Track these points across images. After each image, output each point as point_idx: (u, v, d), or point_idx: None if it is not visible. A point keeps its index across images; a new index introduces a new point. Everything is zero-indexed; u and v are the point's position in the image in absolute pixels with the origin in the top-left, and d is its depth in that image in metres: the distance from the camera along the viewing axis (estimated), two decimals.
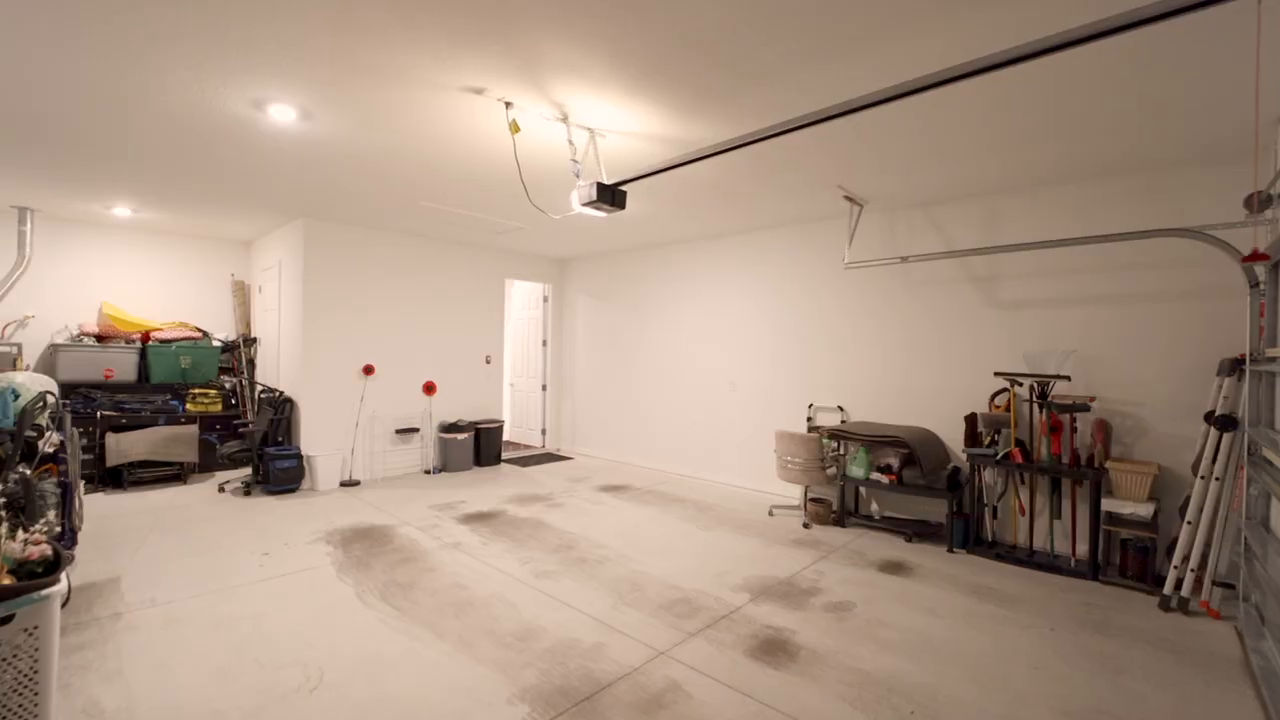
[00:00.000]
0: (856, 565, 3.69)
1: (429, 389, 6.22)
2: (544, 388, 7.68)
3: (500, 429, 6.66)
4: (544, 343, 7.68)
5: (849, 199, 4.32)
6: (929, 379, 4.51)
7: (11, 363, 5.07)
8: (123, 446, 5.19)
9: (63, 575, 1.89)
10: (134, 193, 4.65)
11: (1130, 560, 3.49)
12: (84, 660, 2.41)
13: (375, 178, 4.10)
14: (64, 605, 2.81)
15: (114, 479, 5.26)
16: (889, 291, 4.72)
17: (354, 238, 5.67)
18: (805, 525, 4.47)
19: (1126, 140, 3.17)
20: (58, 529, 3.29)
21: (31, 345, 5.50)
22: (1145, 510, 3.40)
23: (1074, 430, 3.72)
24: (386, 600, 3.04)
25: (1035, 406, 3.89)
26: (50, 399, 3.02)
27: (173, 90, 2.78)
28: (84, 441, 5.20)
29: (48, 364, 5.44)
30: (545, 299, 7.68)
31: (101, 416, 5.27)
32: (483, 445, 6.47)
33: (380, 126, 3.17)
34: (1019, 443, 3.88)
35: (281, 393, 5.54)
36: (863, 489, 4.77)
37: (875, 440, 4.27)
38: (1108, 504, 3.52)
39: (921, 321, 4.55)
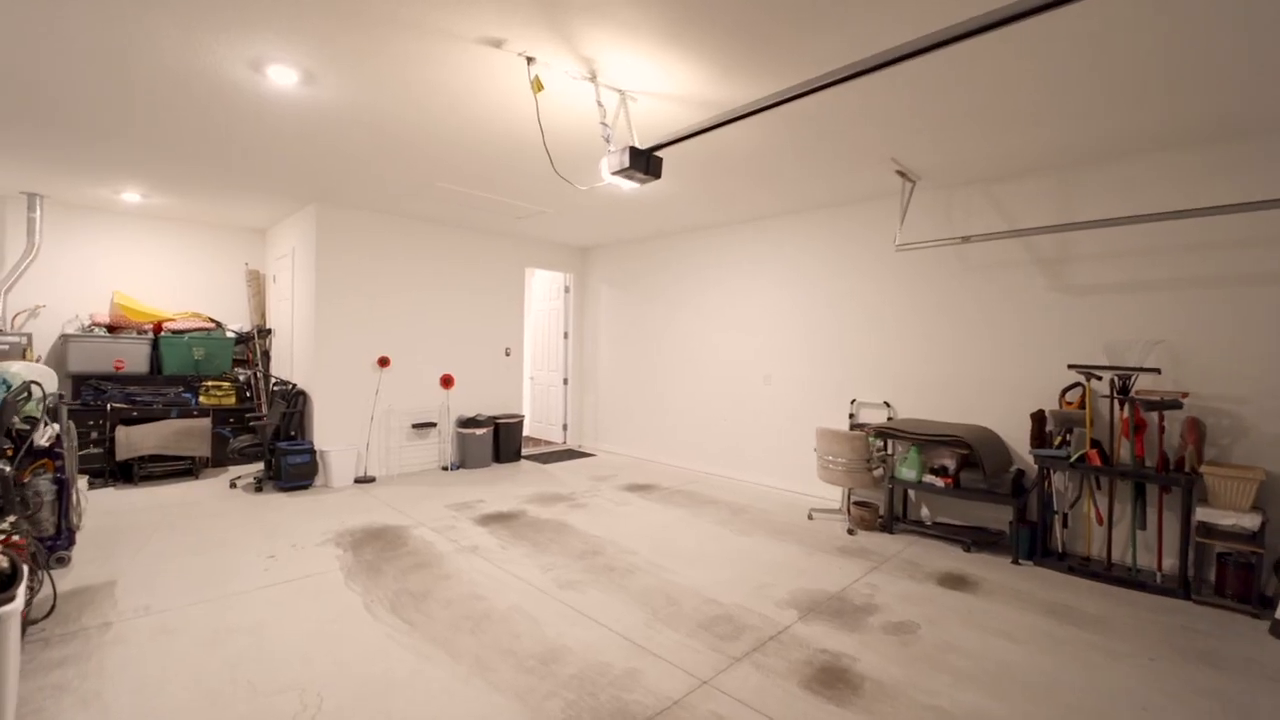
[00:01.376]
0: (913, 578, 3.32)
1: (446, 382, 5.97)
2: (565, 381, 7.40)
3: (520, 424, 6.39)
4: (565, 335, 7.40)
5: (901, 174, 3.93)
6: (986, 372, 4.11)
7: (21, 353, 4.92)
8: (133, 440, 5.03)
9: (19, 591, 1.63)
10: (138, 174, 4.45)
11: (1230, 578, 3.08)
12: (62, 679, 2.17)
13: (386, 152, 3.82)
14: (49, 614, 2.59)
15: (125, 473, 5.10)
16: (942, 277, 4.32)
17: (368, 224, 5.43)
18: (850, 531, 4.10)
19: (1233, 99, 2.74)
20: (50, 529, 3.08)
21: (44, 336, 5.36)
22: (1250, 521, 2.98)
23: (1162, 430, 3.30)
24: (396, 612, 2.76)
25: (1115, 403, 3.48)
26: (36, 390, 2.80)
27: (166, 51, 2.52)
28: (95, 435, 5.06)
29: (59, 355, 5.30)
30: (567, 289, 7.38)
31: (112, 409, 5.11)
32: (502, 441, 6.20)
33: (389, 91, 2.88)
34: (1095, 443, 3.47)
35: (294, 385, 5.33)
36: (911, 492, 4.39)
37: (930, 439, 3.89)
38: (1202, 513, 3.11)
39: (979, 309, 4.15)
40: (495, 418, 6.18)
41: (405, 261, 5.68)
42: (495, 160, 3.89)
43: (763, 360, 5.44)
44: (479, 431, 5.95)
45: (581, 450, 7.09)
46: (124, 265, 5.79)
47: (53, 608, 2.64)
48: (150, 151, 3.87)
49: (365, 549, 3.58)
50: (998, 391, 4.06)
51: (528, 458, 6.56)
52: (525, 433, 7.82)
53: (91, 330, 5.37)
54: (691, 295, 6.08)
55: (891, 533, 4.12)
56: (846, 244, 4.85)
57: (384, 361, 5.50)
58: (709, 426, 5.90)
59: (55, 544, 3.20)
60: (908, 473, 4.03)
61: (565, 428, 7.40)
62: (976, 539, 3.84)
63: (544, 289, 7.78)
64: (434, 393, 5.92)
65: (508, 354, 6.58)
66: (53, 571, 3.10)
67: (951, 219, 4.25)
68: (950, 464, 3.94)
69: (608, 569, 3.35)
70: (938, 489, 3.90)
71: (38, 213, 5.05)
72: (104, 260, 5.69)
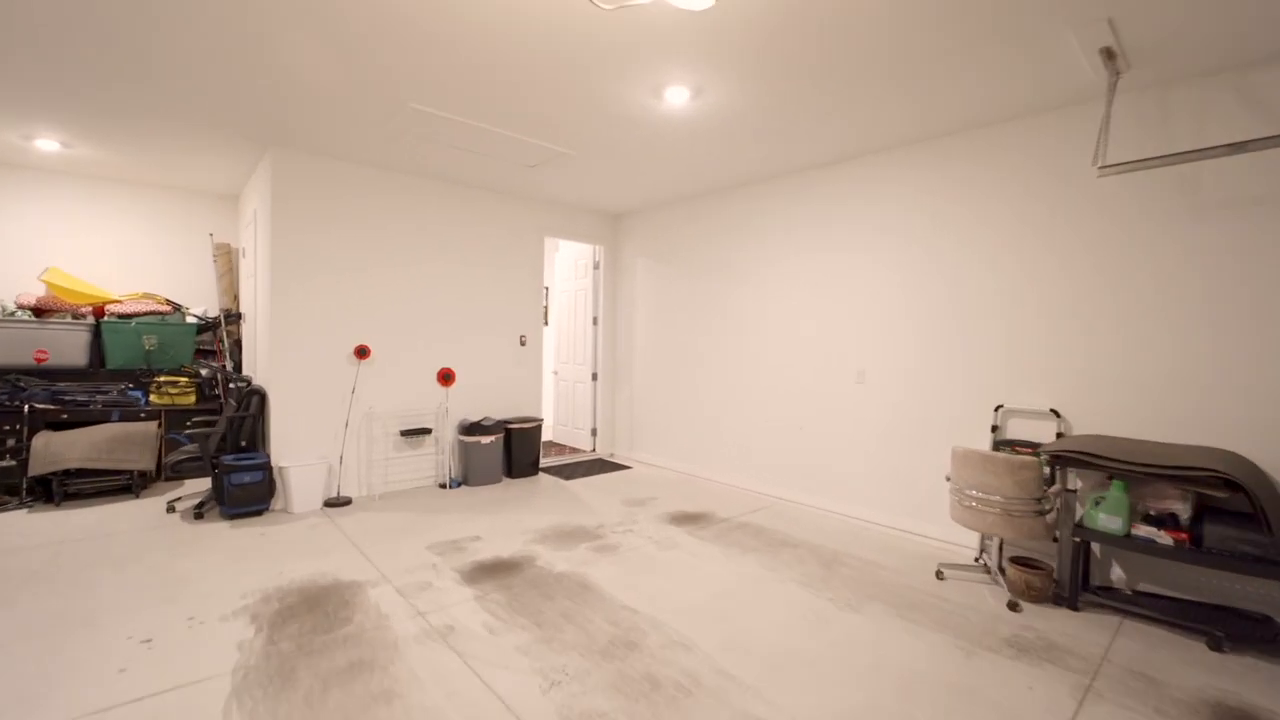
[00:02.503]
0: (1166, 716, 1.95)
1: (445, 378, 4.80)
2: (594, 377, 6.16)
3: (538, 429, 5.19)
4: (594, 320, 6.15)
5: (1107, 53, 2.51)
6: (1224, 365, 2.67)
7: None
8: (54, 449, 4.01)
9: None
10: (44, 105, 3.38)
11: None
12: None
13: (325, 43, 2.62)
14: None
15: (45, 490, 4.11)
16: (1153, 222, 2.88)
17: (341, 176, 4.27)
18: (1011, 606, 2.74)
19: None
20: None
21: None
22: None
23: None
24: None
25: None
26: None
27: None
28: (11, 442, 4.07)
29: None
30: (596, 265, 6.13)
31: (32, 410, 4.12)
32: (515, 450, 5.02)
33: None
34: None
35: (248, 382, 4.23)
36: (1096, 546, 2.98)
37: (1151, 472, 2.48)
38: None
39: (1216, 272, 2.71)
40: (506, 422, 4.99)
41: (390, 226, 4.51)
42: (486, 61, 2.65)
43: (854, 350, 4.07)
44: (485, 440, 4.77)
45: (614, 460, 5.85)
46: (63, 236, 4.81)
47: None
48: (44, 66, 2.77)
49: (287, 628, 2.41)
50: (1247, 397, 2.62)
51: (547, 470, 5.36)
52: (545, 438, 6.65)
53: (14, 314, 4.39)
54: (754, 268, 4.74)
55: (1075, 608, 2.73)
56: (987, 180, 3.44)
57: (363, 352, 4.35)
58: (777, 437, 4.56)
59: None
60: (1109, 521, 2.63)
61: (594, 433, 6.17)
62: (1229, 630, 2.43)
63: (568, 265, 6.54)
64: (429, 391, 4.76)
65: (523, 343, 5.38)
66: None
67: (1170, 132, 2.81)
68: (1182, 510, 2.53)
69: (649, 683, 2.08)
70: (1164, 548, 2.50)
71: None
72: (37, 232, 4.71)
